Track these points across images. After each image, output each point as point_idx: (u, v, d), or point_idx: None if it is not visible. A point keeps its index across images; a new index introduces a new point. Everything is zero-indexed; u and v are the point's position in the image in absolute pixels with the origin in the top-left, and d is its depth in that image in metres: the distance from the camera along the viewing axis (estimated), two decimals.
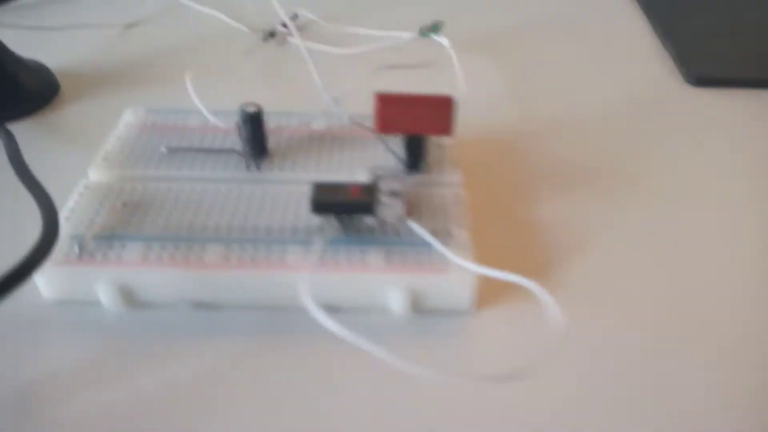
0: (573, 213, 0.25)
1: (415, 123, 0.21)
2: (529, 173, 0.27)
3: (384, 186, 0.20)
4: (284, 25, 0.36)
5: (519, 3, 0.41)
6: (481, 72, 0.32)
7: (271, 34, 0.36)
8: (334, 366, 0.19)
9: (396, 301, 0.20)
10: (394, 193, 0.20)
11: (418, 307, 0.21)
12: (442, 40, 0.32)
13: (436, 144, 0.25)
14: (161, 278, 0.20)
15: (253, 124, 0.23)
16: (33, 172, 0.22)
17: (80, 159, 0.26)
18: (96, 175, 0.24)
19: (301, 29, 0.37)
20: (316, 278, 0.19)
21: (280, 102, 0.26)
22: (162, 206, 0.22)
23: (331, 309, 0.20)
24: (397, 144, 0.24)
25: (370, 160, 0.25)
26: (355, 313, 0.21)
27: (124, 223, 0.22)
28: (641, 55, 0.35)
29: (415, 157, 0.23)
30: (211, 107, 0.26)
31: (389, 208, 0.21)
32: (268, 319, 0.21)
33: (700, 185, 0.26)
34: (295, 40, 0.24)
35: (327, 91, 0.25)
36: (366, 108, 0.26)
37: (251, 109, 0.23)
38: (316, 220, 0.21)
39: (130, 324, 0.21)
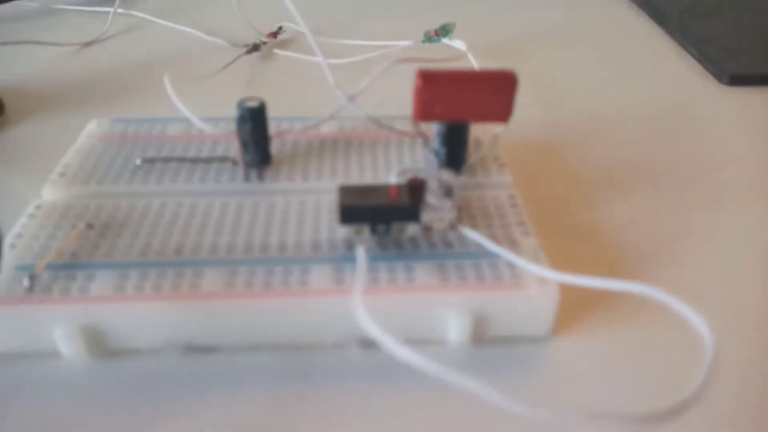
0: (638, 215, 0.21)
1: (466, 107, 0.17)
2: (577, 175, 0.23)
3: (433, 184, 0.16)
4: (275, 34, 0.32)
5: (520, 12, 0.38)
6: None
7: (255, 47, 0.32)
8: (387, 416, 0.15)
9: (455, 328, 0.16)
10: (446, 192, 0.16)
11: (482, 335, 0.16)
12: (457, 43, 0.29)
13: (473, 140, 0.21)
14: (142, 315, 0.15)
15: (255, 123, 0.19)
16: None
17: (32, 182, 0.22)
18: (51, 193, 0.19)
19: (288, 43, 0.34)
20: (349, 304, 0.14)
21: (275, 113, 0.22)
22: (140, 226, 0.18)
23: (367, 344, 0.15)
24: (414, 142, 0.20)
25: (395, 164, 0.20)
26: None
27: (90, 249, 0.17)
28: (663, 58, 0.33)
29: (458, 153, 0.19)
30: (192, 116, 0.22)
31: (439, 212, 0.17)
32: (288, 363, 0.16)
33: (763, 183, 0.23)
34: (310, 42, 0.20)
35: (339, 90, 0.21)
36: (378, 110, 0.23)
37: (252, 104, 0.19)
38: (342, 232, 0.17)
39: (102, 379, 0.16)
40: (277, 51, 0.32)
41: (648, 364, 0.16)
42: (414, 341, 0.16)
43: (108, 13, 0.36)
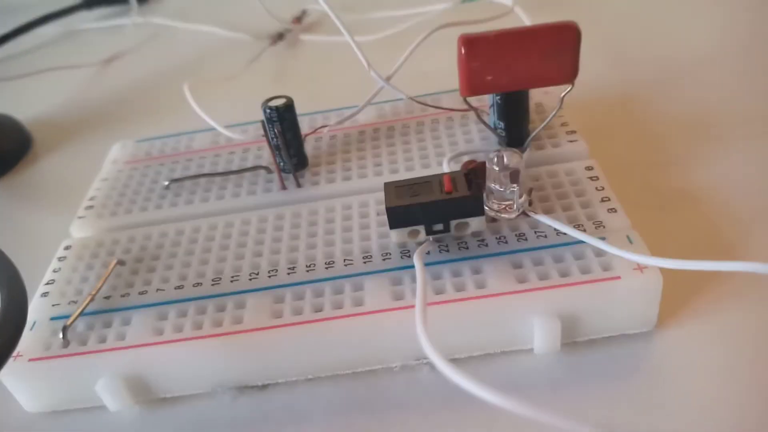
0: (739, 172, 0.18)
1: (522, 72, 0.15)
2: (660, 132, 0.21)
3: (494, 166, 0.14)
4: (299, 20, 0.31)
5: None
6: None
7: (280, 36, 0.31)
8: None
9: (542, 335, 0.14)
10: (511, 175, 0.14)
11: (575, 338, 0.14)
12: None
13: (534, 107, 0.19)
14: (185, 357, 0.14)
15: (284, 124, 0.18)
16: None
17: (63, 218, 0.21)
18: (80, 230, 0.19)
19: (315, 26, 0.32)
20: (411, 322, 0.13)
21: (308, 106, 0.21)
22: (173, 257, 0.17)
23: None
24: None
25: (447, 147, 0.19)
26: (478, 362, 0.14)
27: (123, 288, 0.16)
28: None
29: (519, 125, 0.17)
30: (220, 123, 0.21)
31: (504, 200, 0.15)
32: (351, 393, 0.15)
33: None
34: (334, 20, 0.19)
35: (374, 72, 0.19)
36: (420, 89, 0.21)
37: (278, 103, 0.18)
38: (394, 237, 0.15)
39: (150, 429, 0.15)
40: (303, 37, 0.31)
41: None
42: (498, 353, 0.15)
43: (127, 25, 0.36)
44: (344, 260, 0.15)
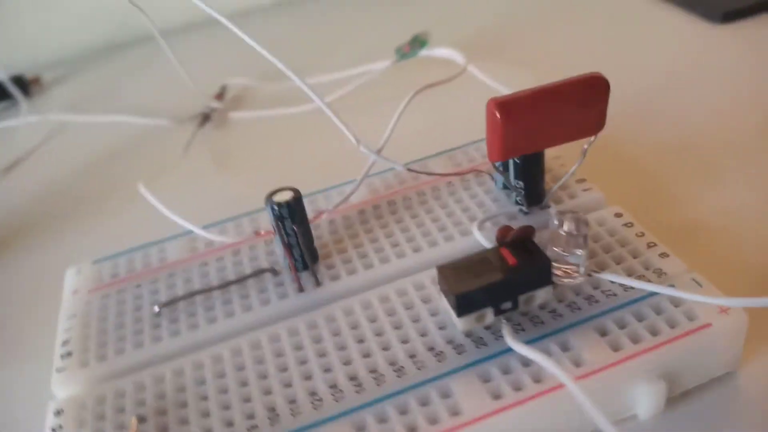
0: (742, 197, 0.19)
1: (554, 130, 0.14)
2: (655, 168, 0.21)
3: (561, 231, 0.13)
4: (220, 96, 0.29)
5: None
6: (507, 79, 0.24)
7: (206, 117, 0.28)
8: None
9: (647, 399, 0.13)
10: (581, 238, 0.13)
11: (673, 394, 0.14)
12: (441, 52, 0.26)
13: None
14: None
15: (295, 219, 0.16)
16: None
17: (35, 374, 0.17)
18: (64, 387, 0.15)
19: (241, 101, 0.30)
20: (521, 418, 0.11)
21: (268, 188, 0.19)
22: (204, 399, 0.14)
23: None
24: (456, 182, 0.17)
25: (462, 215, 0.17)
26: None
27: None
28: (649, 14, 0.31)
29: (537, 183, 0.16)
30: (174, 223, 0.18)
31: (570, 265, 0.14)
32: None
33: None
34: (298, 83, 0.17)
35: (364, 148, 0.17)
36: (404, 155, 0.19)
37: (287, 197, 0.16)
38: (460, 325, 0.14)
39: None
40: (232, 114, 0.29)
41: None
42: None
43: (19, 126, 0.31)
44: (413, 363, 0.14)
